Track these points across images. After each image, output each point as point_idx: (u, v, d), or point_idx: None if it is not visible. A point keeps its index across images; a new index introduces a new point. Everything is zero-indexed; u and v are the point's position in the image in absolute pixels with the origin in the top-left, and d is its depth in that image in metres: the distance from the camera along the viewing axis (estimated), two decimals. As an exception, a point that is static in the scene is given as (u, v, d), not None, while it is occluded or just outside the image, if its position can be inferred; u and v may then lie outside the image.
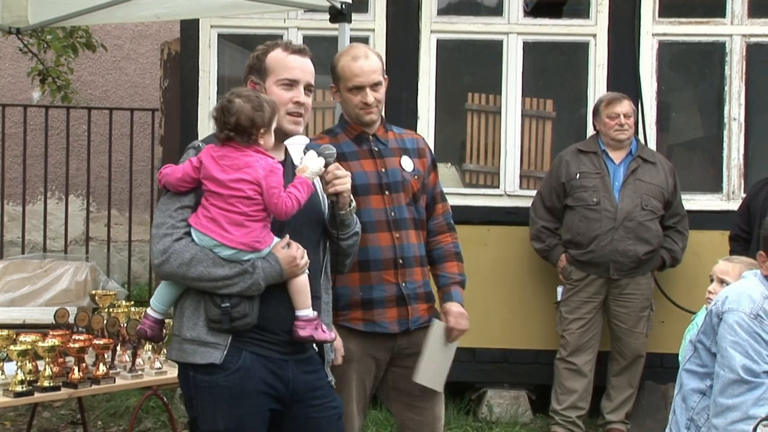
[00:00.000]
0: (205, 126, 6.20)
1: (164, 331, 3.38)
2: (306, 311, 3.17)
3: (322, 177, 3.26)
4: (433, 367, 3.92)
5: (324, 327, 3.22)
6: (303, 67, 3.29)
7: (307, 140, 3.22)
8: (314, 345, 3.27)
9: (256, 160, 3.08)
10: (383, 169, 3.87)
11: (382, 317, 3.82)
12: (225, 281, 3.05)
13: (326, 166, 3.27)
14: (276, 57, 3.28)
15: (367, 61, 3.80)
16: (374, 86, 3.81)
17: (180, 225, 3.09)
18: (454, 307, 3.98)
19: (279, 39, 3.38)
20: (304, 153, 3.23)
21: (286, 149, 3.33)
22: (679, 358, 4.28)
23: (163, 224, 3.10)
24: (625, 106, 5.93)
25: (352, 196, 3.32)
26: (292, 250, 3.13)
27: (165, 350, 4.66)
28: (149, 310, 3.26)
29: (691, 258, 6.08)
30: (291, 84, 3.26)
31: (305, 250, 3.17)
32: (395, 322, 3.84)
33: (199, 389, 3.11)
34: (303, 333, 3.15)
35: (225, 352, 3.08)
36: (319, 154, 3.28)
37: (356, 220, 3.39)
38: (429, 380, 3.91)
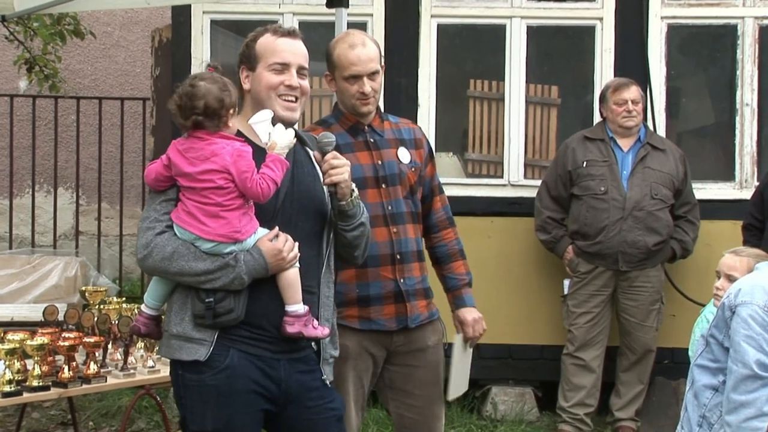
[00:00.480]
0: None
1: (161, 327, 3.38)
2: (295, 306, 3.14)
3: (318, 165, 3.27)
4: (459, 378, 4.02)
5: (315, 323, 3.18)
6: (293, 50, 3.29)
7: (271, 114, 3.18)
8: (312, 343, 3.26)
9: (222, 147, 3.07)
10: (380, 162, 3.85)
11: (379, 314, 3.82)
12: (207, 275, 3.05)
13: (324, 154, 3.26)
14: (265, 42, 3.29)
15: (365, 49, 3.78)
16: (371, 75, 3.78)
17: (163, 218, 3.11)
18: (469, 315, 4.04)
19: (275, 24, 3.37)
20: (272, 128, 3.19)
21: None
22: (690, 353, 4.28)
23: (147, 218, 3.13)
24: (633, 92, 5.92)
25: (354, 185, 3.31)
26: (279, 243, 3.11)
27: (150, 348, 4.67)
28: (143, 307, 3.28)
29: (703, 249, 6.09)
30: (282, 68, 3.26)
31: (295, 243, 3.15)
32: (392, 319, 3.84)
33: (188, 388, 3.12)
34: (291, 329, 3.12)
35: (211, 349, 3.08)
36: (318, 143, 3.28)
37: (362, 210, 3.37)
38: (457, 390, 4.02)
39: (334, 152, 3.28)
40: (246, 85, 3.30)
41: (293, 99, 3.27)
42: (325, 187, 3.29)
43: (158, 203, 3.13)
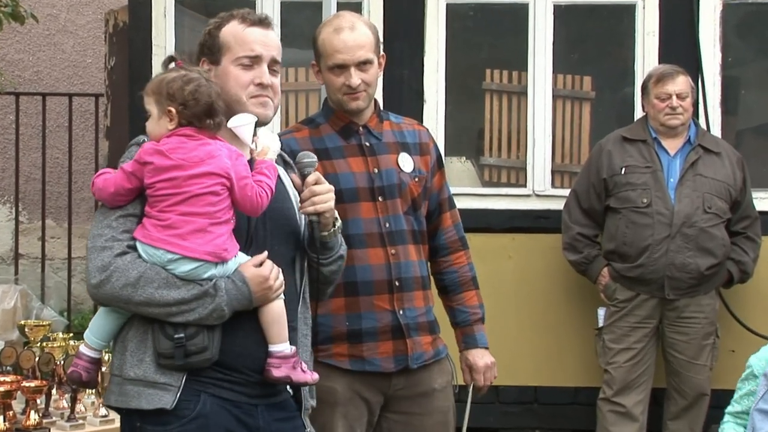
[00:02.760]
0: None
1: (101, 371, 3.37)
2: (281, 346, 3.16)
3: (297, 190, 3.30)
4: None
5: (303, 366, 3.21)
6: (265, 41, 3.31)
7: (254, 118, 3.20)
8: (288, 387, 3.27)
9: (218, 148, 3.09)
10: (375, 170, 3.87)
11: (373, 353, 3.83)
12: (180, 306, 3.03)
13: (304, 177, 3.28)
14: (232, 31, 3.30)
15: (352, 34, 3.80)
16: (361, 65, 3.80)
17: (122, 237, 3.08)
18: (480, 360, 4.07)
19: (242, 9, 3.39)
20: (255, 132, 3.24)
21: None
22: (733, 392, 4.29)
23: (100, 236, 3.09)
24: (679, 83, 5.92)
25: (336, 213, 3.33)
26: (264, 269, 3.12)
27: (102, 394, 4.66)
28: (83, 348, 3.23)
29: (765, 270, 6.09)
30: (251, 62, 3.28)
31: (279, 270, 3.16)
32: (390, 358, 3.85)
33: None
34: (278, 373, 3.14)
35: (178, 395, 3.06)
36: (297, 164, 3.32)
37: (341, 241, 3.41)
38: None
39: (317, 174, 3.29)
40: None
41: (265, 97, 3.29)
42: (302, 215, 3.32)
43: (114, 219, 3.10)
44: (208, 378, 3.10)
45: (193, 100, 3.10)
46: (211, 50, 3.31)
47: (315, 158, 3.33)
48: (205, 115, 3.11)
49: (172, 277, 3.04)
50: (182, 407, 3.07)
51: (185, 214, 3.04)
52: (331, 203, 3.27)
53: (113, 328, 3.18)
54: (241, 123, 3.17)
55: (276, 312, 3.15)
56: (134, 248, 3.08)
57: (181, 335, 3.04)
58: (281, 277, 3.15)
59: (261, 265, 3.12)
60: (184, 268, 3.04)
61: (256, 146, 3.20)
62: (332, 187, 3.31)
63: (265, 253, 3.15)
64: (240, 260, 3.12)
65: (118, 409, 3.20)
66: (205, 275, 3.06)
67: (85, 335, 3.23)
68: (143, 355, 3.09)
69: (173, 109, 3.10)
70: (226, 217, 3.08)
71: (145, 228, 3.08)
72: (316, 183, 3.27)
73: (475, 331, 4.08)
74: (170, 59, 3.27)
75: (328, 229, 3.29)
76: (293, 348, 3.18)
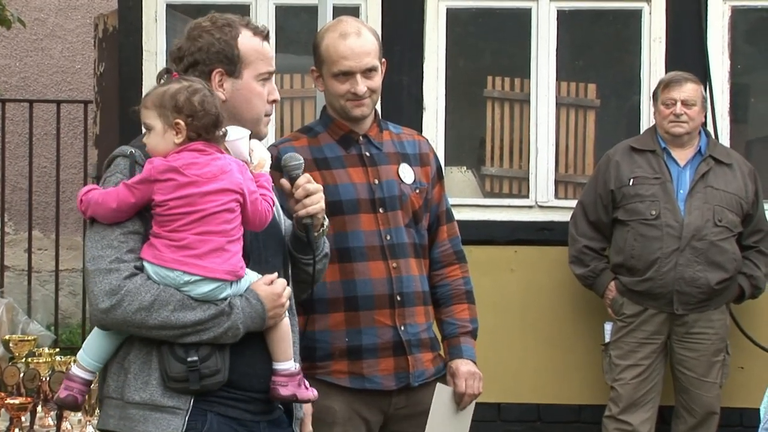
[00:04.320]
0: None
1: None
2: (288, 364, 3.16)
3: (286, 194, 3.30)
4: None
5: (306, 382, 3.21)
6: (272, 55, 3.34)
7: (248, 132, 3.19)
8: (279, 403, 3.26)
9: (228, 162, 3.06)
10: (376, 181, 3.87)
11: (373, 370, 3.81)
12: (195, 327, 3.01)
13: (293, 180, 3.28)
14: (251, 45, 3.27)
15: (359, 40, 3.80)
16: (367, 73, 3.79)
17: (127, 258, 3.01)
18: (463, 366, 3.98)
19: (244, 17, 3.36)
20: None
21: None
22: (761, 413, 4.25)
23: (103, 257, 3.01)
24: (686, 90, 5.90)
25: (324, 213, 3.34)
26: (277, 287, 3.13)
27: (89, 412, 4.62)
28: (77, 370, 3.15)
29: (777, 285, 6.07)
30: (268, 77, 3.29)
31: (288, 287, 3.17)
32: (391, 376, 3.84)
33: None
34: (285, 392, 3.14)
35: (187, 418, 3.03)
36: (285, 167, 3.30)
37: (325, 239, 3.41)
38: None
39: (307, 175, 3.30)
40: (221, 94, 3.23)
41: (269, 114, 3.32)
42: (281, 213, 3.33)
43: (116, 237, 3.03)
44: (215, 397, 3.07)
45: (202, 111, 3.04)
46: (230, 60, 3.24)
47: (301, 160, 3.33)
48: (213, 126, 3.06)
49: (187, 299, 3.01)
50: (189, 427, 3.04)
51: (202, 233, 3.00)
52: (322, 203, 3.29)
53: (111, 349, 3.12)
54: (238, 137, 3.14)
55: (284, 330, 3.16)
56: (140, 269, 3.02)
57: (195, 358, 3.01)
58: (289, 293, 3.17)
59: (271, 283, 3.13)
60: (202, 289, 3.01)
61: (251, 159, 3.17)
62: (321, 187, 3.32)
63: (276, 273, 3.16)
64: (250, 278, 3.11)
65: None
66: (222, 295, 3.04)
67: (78, 357, 3.15)
68: (148, 377, 3.04)
69: (181, 122, 3.04)
70: (239, 234, 3.06)
71: (155, 248, 3.02)
72: (309, 183, 3.29)
73: (461, 342, 4.02)
74: (166, 71, 3.21)
75: (318, 230, 3.30)
76: (297, 365, 3.18)
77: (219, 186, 3.01)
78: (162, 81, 3.17)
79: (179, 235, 3.00)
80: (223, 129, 3.09)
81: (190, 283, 3.00)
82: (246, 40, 3.27)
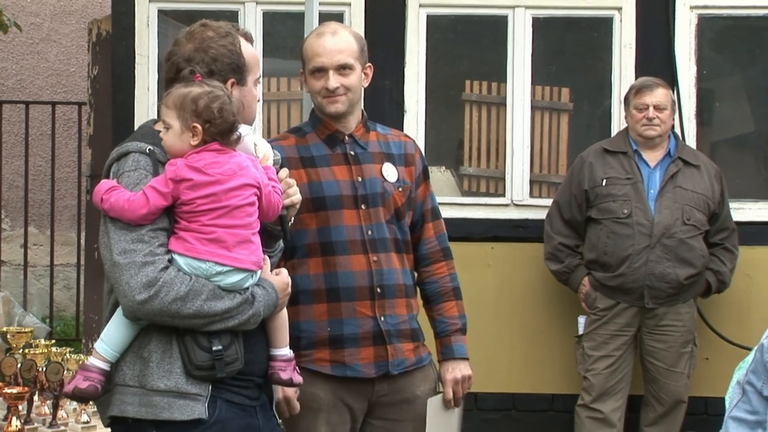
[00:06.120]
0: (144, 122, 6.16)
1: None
2: (285, 350, 3.26)
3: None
4: None
5: (297, 368, 3.31)
6: None
7: (251, 128, 3.28)
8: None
9: (244, 159, 3.12)
10: (359, 178, 3.89)
11: (354, 359, 3.83)
12: (224, 315, 3.06)
13: None
14: (249, 52, 3.34)
15: (334, 38, 3.83)
16: (340, 69, 3.81)
17: (159, 251, 3.03)
18: (450, 373, 4.02)
19: (232, 24, 3.37)
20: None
21: None
22: (726, 403, 4.26)
23: (136, 251, 3.01)
24: (658, 95, 5.92)
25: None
26: (285, 276, 3.24)
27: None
28: (95, 360, 3.12)
29: (741, 280, 6.10)
30: (259, 81, 3.39)
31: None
32: (371, 364, 3.85)
33: None
34: (284, 376, 3.24)
35: (207, 404, 3.08)
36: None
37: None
38: None
39: (285, 169, 3.39)
40: None
41: None
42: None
43: (146, 233, 3.03)
44: (225, 384, 3.12)
45: (220, 119, 3.08)
46: (240, 70, 3.29)
47: (279, 156, 3.43)
48: (229, 132, 3.10)
49: (217, 289, 3.06)
50: (208, 414, 3.09)
51: (229, 227, 3.05)
52: (299, 195, 3.40)
53: (131, 338, 3.12)
54: (244, 134, 3.18)
55: (284, 317, 3.27)
56: (171, 262, 3.05)
57: (219, 347, 3.06)
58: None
59: (278, 273, 3.24)
60: (232, 279, 3.07)
61: (256, 153, 3.22)
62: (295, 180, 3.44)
63: (269, 259, 3.27)
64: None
65: (122, 420, 3.13)
66: (246, 285, 3.10)
67: (97, 347, 3.13)
68: (171, 366, 3.07)
69: (199, 126, 3.07)
70: (258, 226, 3.13)
71: (186, 241, 3.05)
72: (289, 177, 3.40)
73: (452, 341, 4.05)
74: (190, 71, 3.21)
75: (291, 220, 3.41)
76: (291, 351, 3.27)
77: (240, 182, 3.07)
78: (184, 80, 3.19)
79: (209, 228, 3.05)
80: (238, 132, 3.12)
81: (222, 273, 3.06)
82: (246, 48, 3.33)
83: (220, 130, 3.08)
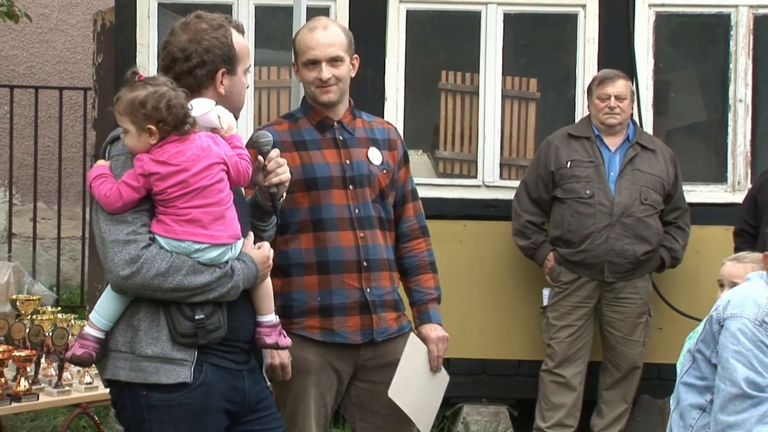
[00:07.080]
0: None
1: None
2: (270, 316, 3.26)
3: (258, 167, 3.34)
4: (413, 392, 3.93)
5: (283, 332, 3.32)
6: None
7: (214, 102, 3.19)
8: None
9: (204, 140, 3.08)
10: (347, 161, 3.89)
11: (342, 326, 3.84)
12: (204, 288, 3.06)
13: (264, 154, 3.35)
14: (240, 42, 3.34)
15: (325, 32, 3.84)
16: (332, 61, 3.82)
17: (142, 231, 3.05)
18: (432, 332, 4.03)
19: (225, 16, 3.36)
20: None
21: None
22: (677, 369, 4.30)
23: (119, 230, 3.04)
24: (618, 86, 5.93)
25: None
26: (265, 250, 3.22)
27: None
28: (90, 329, 3.16)
29: (692, 256, 6.12)
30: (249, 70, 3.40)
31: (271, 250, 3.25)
32: (357, 331, 3.86)
33: (155, 409, 3.11)
34: (269, 340, 3.24)
35: (192, 368, 3.10)
36: (256, 143, 3.38)
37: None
38: (408, 405, 3.90)
39: (276, 150, 3.39)
40: (221, 90, 3.28)
41: None
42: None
43: (129, 214, 3.05)
44: (211, 349, 3.13)
45: (170, 116, 3.04)
46: (231, 60, 3.28)
47: (270, 137, 3.43)
48: (182, 123, 3.06)
49: (196, 264, 3.06)
50: (194, 377, 3.11)
51: (203, 206, 3.04)
52: (289, 173, 3.39)
53: (121, 309, 3.13)
54: (206, 110, 3.13)
55: (268, 287, 3.26)
56: (153, 240, 3.05)
57: (201, 316, 3.07)
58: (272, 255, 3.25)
59: (260, 247, 3.22)
60: (210, 255, 3.07)
61: (221, 124, 3.18)
62: (286, 159, 3.43)
63: (251, 234, 3.26)
64: (240, 243, 3.16)
65: (116, 382, 3.15)
66: (224, 259, 3.09)
67: (91, 317, 3.16)
68: (158, 334, 3.09)
69: (152, 126, 3.03)
70: (230, 200, 3.10)
71: (165, 224, 3.05)
72: (279, 156, 3.39)
73: (429, 308, 4.07)
74: (132, 73, 3.16)
75: (279, 199, 3.40)
76: (277, 317, 3.27)
77: (205, 163, 3.04)
78: (128, 83, 3.13)
79: (184, 210, 3.04)
80: (191, 118, 3.07)
81: (200, 250, 3.05)
82: (237, 40, 3.31)
83: (173, 125, 3.04)
